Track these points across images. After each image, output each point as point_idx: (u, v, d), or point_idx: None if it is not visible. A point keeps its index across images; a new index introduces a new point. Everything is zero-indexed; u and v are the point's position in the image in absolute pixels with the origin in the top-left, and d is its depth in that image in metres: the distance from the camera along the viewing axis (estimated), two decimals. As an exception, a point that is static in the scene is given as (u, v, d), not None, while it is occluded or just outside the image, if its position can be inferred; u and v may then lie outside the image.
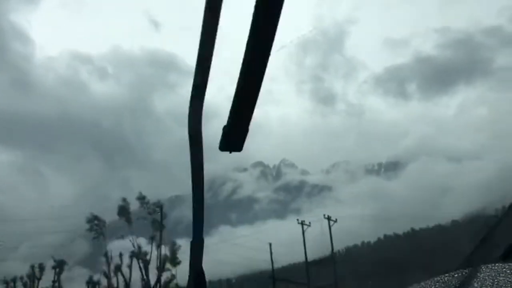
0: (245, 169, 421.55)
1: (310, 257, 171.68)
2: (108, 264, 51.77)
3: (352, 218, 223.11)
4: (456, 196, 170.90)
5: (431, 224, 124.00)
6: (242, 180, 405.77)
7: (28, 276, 58.39)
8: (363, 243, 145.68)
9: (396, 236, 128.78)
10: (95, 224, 53.34)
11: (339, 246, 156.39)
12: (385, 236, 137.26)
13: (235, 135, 1.17)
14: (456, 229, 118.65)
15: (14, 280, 59.63)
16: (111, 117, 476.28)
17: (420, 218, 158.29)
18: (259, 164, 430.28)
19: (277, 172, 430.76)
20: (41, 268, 58.66)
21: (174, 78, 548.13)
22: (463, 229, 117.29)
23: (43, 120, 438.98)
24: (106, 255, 53.08)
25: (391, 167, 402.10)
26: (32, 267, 58.94)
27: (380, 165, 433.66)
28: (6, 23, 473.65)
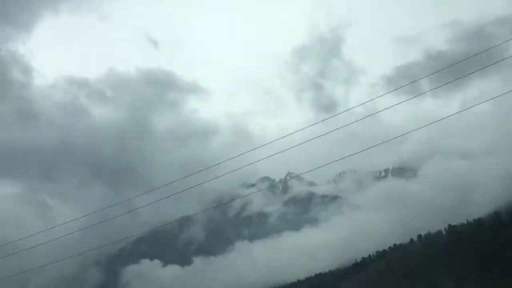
0: (252, 185, 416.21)
1: (332, 266, 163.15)
2: None
3: (374, 223, 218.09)
4: (481, 192, 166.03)
5: (470, 219, 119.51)
6: (250, 196, 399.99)
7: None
8: (395, 245, 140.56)
9: (434, 234, 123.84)
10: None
11: (367, 251, 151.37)
12: (419, 236, 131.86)
13: None
14: (496, 223, 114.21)
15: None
16: (112, 140, 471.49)
17: (448, 215, 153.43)
18: (265, 179, 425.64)
19: (284, 186, 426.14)
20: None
21: (173, 96, 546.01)
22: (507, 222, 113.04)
23: (44, 149, 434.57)
24: None
25: (399, 172, 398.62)
26: None
27: (387, 171, 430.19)
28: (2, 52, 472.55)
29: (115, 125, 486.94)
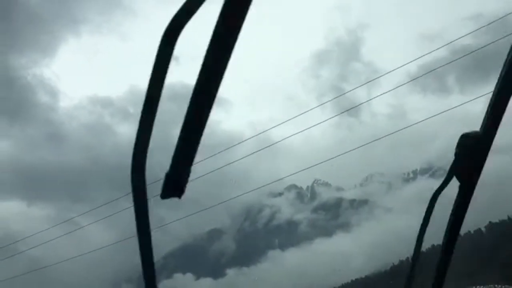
0: (280, 194, 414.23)
1: (368, 270, 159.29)
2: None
3: (408, 225, 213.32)
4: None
5: (510, 214, 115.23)
6: (279, 205, 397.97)
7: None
8: (433, 246, 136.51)
9: (474, 232, 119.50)
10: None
11: (404, 254, 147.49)
12: (458, 235, 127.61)
13: (177, 180, 1.07)
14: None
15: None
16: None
17: (487, 212, 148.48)
18: (292, 187, 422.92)
19: (312, 193, 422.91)
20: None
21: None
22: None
23: (73, 170, 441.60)
24: None
25: (428, 172, 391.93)
26: None
27: (415, 172, 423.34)
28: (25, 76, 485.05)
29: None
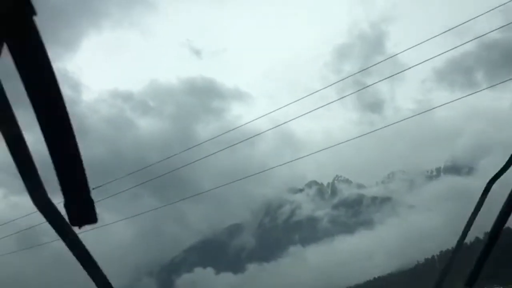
0: (300, 190, 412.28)
1: (391, 268, 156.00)
2: None
3: (433, 223, 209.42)
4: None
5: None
6: (299, 201, 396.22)
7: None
8: (477, 238, 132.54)
9: (504, 230, 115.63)
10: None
11: (429, 252, 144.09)
12: (486, 234, 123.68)
13: (81, 207, 1.03)
14: None
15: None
16: (158, 151, 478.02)
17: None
18: (313, 183, 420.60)
19: (333, 189, 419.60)
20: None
21: (216, 104, 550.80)
22: None
23: (94, 163, 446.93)
24: None
25: (452, 170, 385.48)
26: None
27: (438, 169, 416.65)
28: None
29: (161, 136, 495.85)
